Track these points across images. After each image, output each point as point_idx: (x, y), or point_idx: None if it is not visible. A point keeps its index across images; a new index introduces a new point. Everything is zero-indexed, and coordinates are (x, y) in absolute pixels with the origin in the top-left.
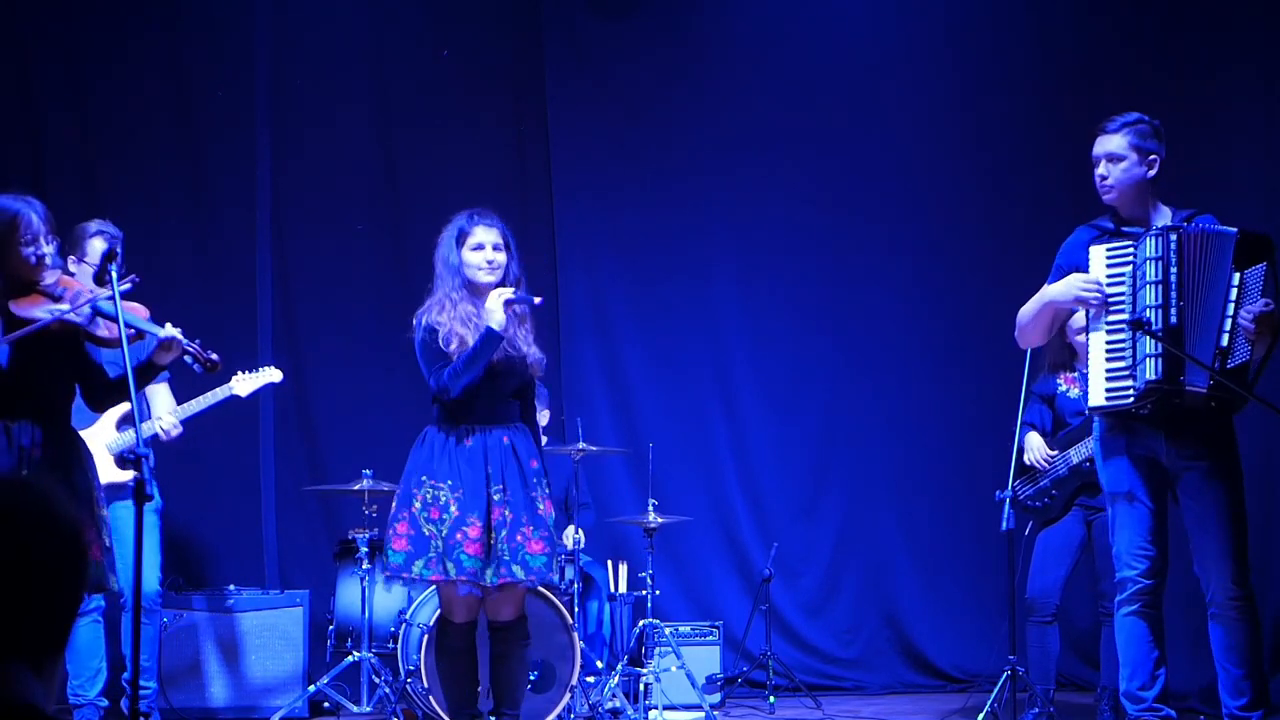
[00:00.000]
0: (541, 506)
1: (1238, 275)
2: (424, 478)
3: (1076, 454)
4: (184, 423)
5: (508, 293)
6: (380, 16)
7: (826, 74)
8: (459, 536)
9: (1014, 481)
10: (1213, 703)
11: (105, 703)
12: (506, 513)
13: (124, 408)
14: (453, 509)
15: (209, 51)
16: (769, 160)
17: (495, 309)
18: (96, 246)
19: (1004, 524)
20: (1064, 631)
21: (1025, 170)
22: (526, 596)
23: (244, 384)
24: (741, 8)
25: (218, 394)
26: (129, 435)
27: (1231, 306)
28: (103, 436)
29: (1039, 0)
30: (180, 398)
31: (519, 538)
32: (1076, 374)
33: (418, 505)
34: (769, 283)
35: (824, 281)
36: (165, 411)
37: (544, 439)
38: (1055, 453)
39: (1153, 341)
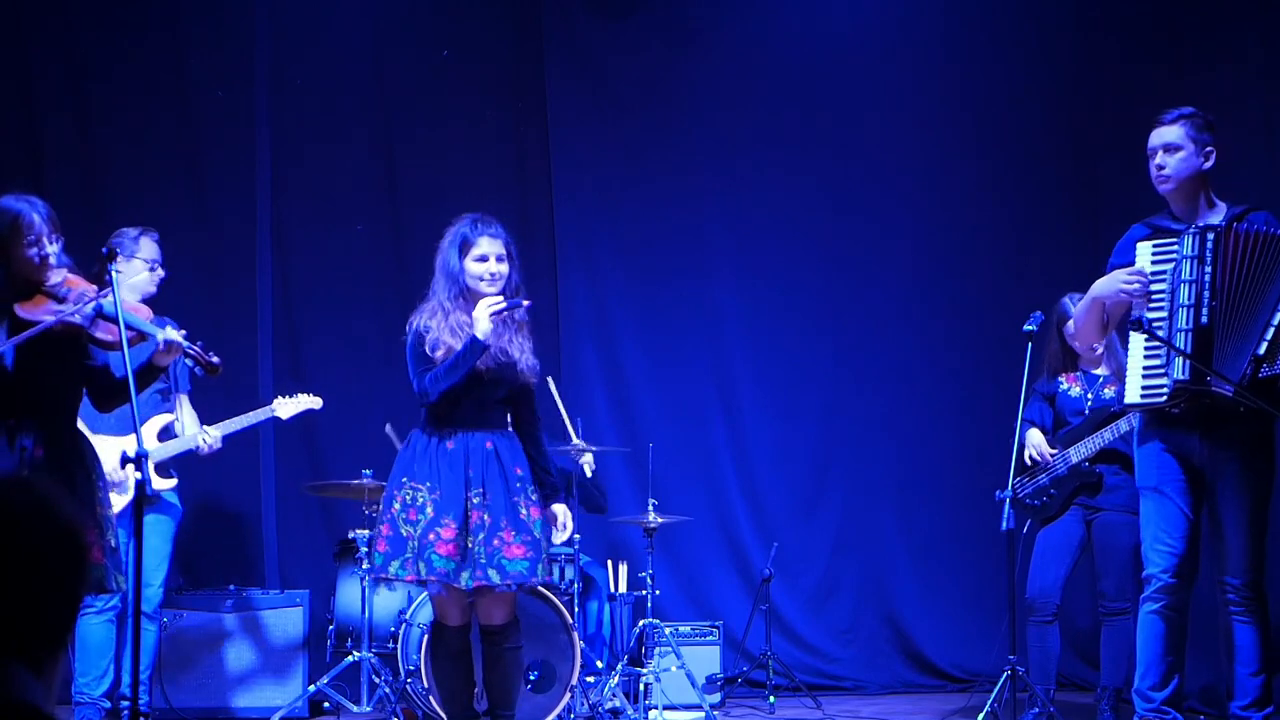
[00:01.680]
0: (525, 511)
1: None
2: (404, 479)
3: (1076, 453)
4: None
5: (496, 302)
6: (380, 16)
7: (826, 74)
8: (431, 537)
9: (1014, 479)
10: (1212, 703)
11: (108, 704)
12: (485, 516)
13: (165, 418)
14: (429, 510)
15: (209, 51)
16: (769, 160)
17: (482, 318)
18: (147, 247)
19: (1004, 523)
20: (1064, 631)
21: (1025, 169)
22: (526, 597)
23: (286, 407)
24: (741, 8)
25: (259, 415)
26: (171, 445)
27: (1278, 317)
28: (147, 445)
29: (1042, 3)
30: (205, 406)
31: (496, 541)
32: (1079, 373)
33: (397, 506)
34: (769, 282)
35: (824, 281)
36: (192, 425)
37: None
38: (1055, 450)
39: (1184, 340)
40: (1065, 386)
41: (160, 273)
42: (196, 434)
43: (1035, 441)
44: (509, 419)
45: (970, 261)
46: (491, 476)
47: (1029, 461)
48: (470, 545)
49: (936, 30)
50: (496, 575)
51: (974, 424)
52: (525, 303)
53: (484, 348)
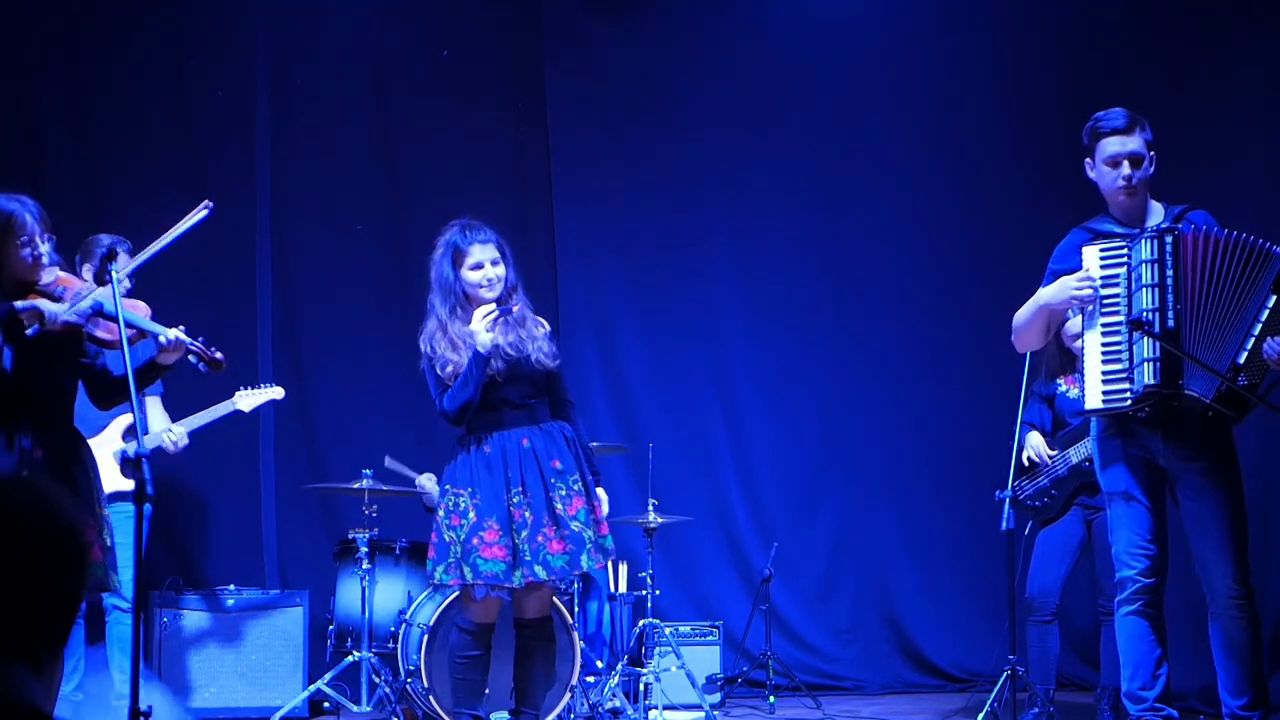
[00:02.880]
0: (561, 506)
1: (1274, 299)
2: (448, 487)
3: (1076, 454)
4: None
5: (489, 312)
6: (381, 17)
7: (826, 75)
8: (475, 541)
9: (1014, 481)
10: (1213, 703)
11: (80, 697)
12: (527, 514)
13: (129, 419)
14: (471, 515)
15: (209, 51)
16: (768, 160)
17: (479, 330)
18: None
19: (1004, 524)
20: (1064, 631)
21: (1025, 172)
22: None
23: (247, 399)
24: (741, 8)
25: (221, 409)
26: (132, 446)
27: (1259, 328)
28: (110, 446)
29: (1039, 3)
30: (185, 409)
31: (540, 538)
32: (1077, 374)
33: (441, 514)
34: (769, 283)
35: (824, 281)
36: (162, 425)
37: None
38: (1055, 452)
39: (1150, 345)
40: (1064, 388)
41: (127, 284)
42: (160, 433)
43: (1035, 444)
44: (549, 409)
45: (970, 262)
46: (529, 474)
47: (1027, 464)
48: (517, 544)
49: (938, 30)
50: (543, 571)
51: (974, 424)
52: (515, 307)
53: (485, 359)
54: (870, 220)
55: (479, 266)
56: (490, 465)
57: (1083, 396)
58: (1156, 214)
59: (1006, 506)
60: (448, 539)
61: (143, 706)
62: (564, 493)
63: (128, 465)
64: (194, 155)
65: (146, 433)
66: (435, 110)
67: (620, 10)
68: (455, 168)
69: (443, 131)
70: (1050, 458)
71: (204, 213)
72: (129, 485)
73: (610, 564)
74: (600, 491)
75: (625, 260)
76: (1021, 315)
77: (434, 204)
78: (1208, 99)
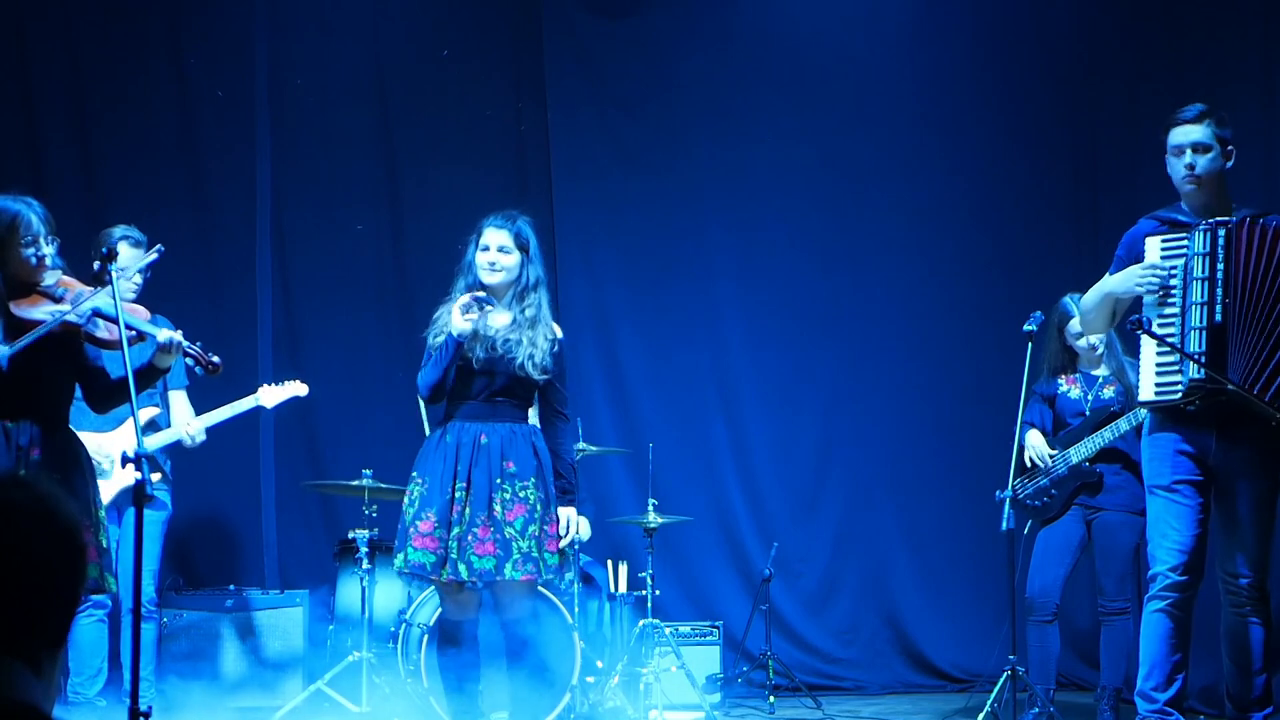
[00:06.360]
0: (500, 509)
1: None
2: (414, 473)
3: (1076, 454)
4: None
5: (467, 301)
6: (380, 16)
7: (827, 73)
8: (412, 530)
9: (1014, 481)
10: (1213, 703)
11: (104, 703)
12: (466, 511)
13: (149, 412)
14: (416, 503)
15: (209, 51)
16: (769, 159)
17: (454, 313)
18: (125, 252)
19: (1004, 524)
20: (1064, 631)
21: (1026, 170)
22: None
23: (270, 395)
24: (741, 7)
25: (243, 404)
26: (153, 439)
27: None
28: (127, 442)
29: (1040, 5)
30: (204, 405)
31: (470, 537)
32: (1078, 374)
33: (405, 500)
34: (769, 282)
35: (824, 281)
36: (186, 419)
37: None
38: (1055, 451)
39: (1198, 338)
40: (1065, 388)
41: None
42: (179, 426)
43: (1035, 443)
44: (528, 413)
45: (970, 262)
46: (478, 470)
47: (1028, 464)
48: (448, 539)
49: (939, 32)
50: (465, 571)
51: (974, 424)
52: (488, 306)
53: (458, 343)
54: (871, 219)
55: (485, 249)
56: (445, 455)
57: (1082, 397)
58: (1231, 213)
59: (1006, 506)
60: (406, 527)
61: (142, 706)
62: (507, 496)
63: (127, 464)
64: (194, 155)
65: (168, 427)
66: (435, 110)
67: (621, 10)
68: (455, 168)
69: (443, 131)
70: (1050, 457)
71: (154, 256)
72: (152, 477)
73: (611, 564)
74: (567, 511)
75: (625, 260)
76: (1088, 301)
77: (434, 204)
78: (1207, 93)
